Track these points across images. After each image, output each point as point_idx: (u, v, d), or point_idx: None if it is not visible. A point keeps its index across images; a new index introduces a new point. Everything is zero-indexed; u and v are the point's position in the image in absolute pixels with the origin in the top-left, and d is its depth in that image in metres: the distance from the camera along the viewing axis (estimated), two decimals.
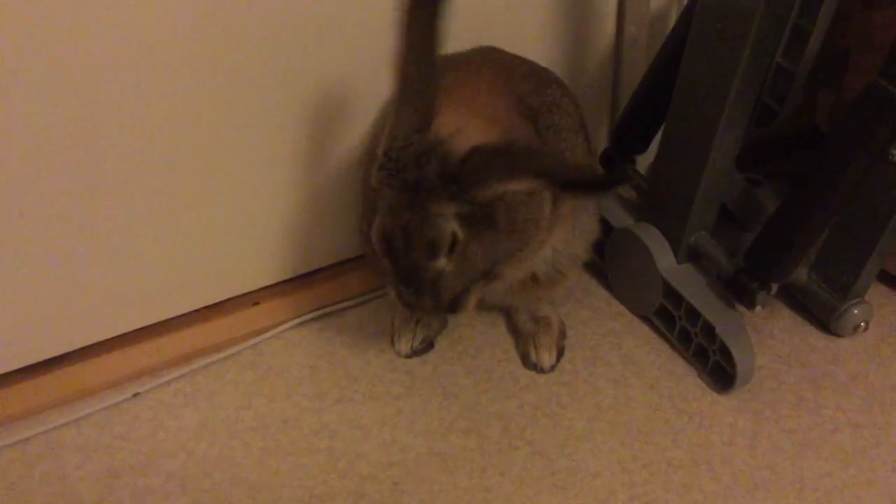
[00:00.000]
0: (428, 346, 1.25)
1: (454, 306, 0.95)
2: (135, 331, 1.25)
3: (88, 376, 1.21)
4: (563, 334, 1.25)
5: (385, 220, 0.88)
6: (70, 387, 1.20)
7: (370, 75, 1.20)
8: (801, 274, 1.21)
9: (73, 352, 1.22)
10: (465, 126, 0.88)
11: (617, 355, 1.23)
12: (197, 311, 1.30)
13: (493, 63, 0.94)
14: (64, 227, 1.11)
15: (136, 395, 1.20)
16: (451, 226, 0.87)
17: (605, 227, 1.27)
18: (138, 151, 1.10)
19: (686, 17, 1.13)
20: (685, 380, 1.18)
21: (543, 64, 1.18)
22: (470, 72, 1.04)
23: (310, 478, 1.07)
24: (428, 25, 0.88)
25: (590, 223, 1.17)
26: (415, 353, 1.24)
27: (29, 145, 1.03)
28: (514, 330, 1.27)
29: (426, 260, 0.88)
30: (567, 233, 1.10)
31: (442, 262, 0.89)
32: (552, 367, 1.21)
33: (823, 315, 1.22)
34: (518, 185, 0.85)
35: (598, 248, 1.27)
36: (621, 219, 1.27)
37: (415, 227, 0.86)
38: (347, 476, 1.07)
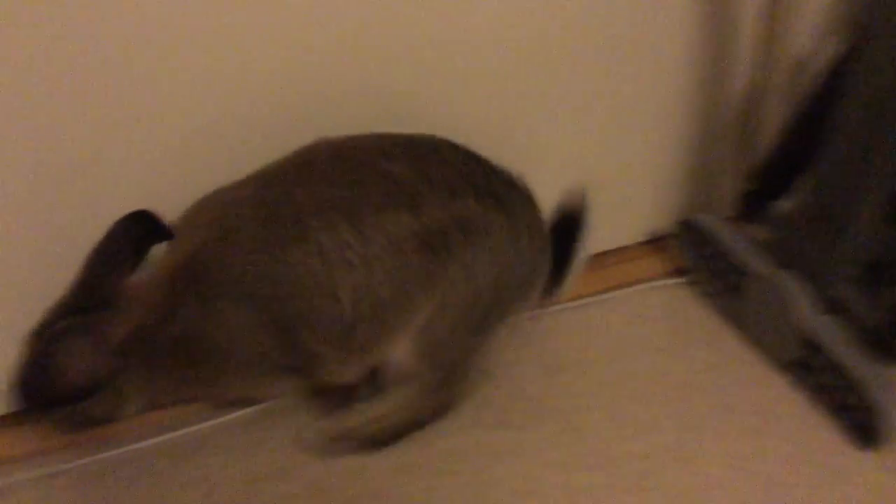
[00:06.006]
0: None
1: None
2: None
3: None
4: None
5: None
6: None
7: None
8: None
9: None
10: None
11: (749, 405, 1.21)
12: None
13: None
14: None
15: None
16: None
17: (739, 271, 1.26)
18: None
19: (838, 69, 1.12)
20: (824, 433, 1.16)
21: (679, 105, 1.17)
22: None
23: None
24: (132, 248, 0.93)
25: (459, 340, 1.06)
26: None
27: None
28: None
29: None
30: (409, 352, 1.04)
31: None
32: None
33: None
34: None
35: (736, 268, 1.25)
36: (758, 264, 1.25)
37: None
38: None
